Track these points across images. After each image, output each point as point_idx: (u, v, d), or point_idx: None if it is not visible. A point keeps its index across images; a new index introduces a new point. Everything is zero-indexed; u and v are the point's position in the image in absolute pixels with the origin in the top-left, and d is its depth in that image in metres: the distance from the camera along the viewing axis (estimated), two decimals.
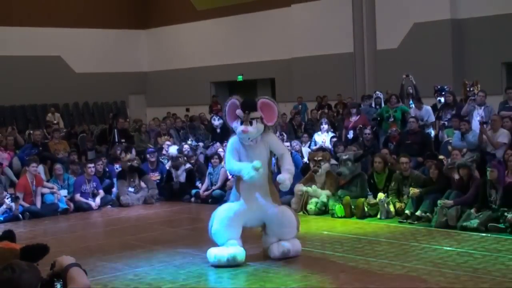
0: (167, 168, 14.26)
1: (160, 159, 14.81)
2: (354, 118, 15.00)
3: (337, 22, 22.05)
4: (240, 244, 7.86)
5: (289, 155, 8.41)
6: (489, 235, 8.95)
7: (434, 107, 15.09)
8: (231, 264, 7.62)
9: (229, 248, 7.70)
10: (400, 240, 8.98)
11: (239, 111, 7.85)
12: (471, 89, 14.05)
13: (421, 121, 13.86)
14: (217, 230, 7.85)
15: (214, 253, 7.73)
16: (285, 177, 7.92)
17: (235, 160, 7.97)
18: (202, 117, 20.30)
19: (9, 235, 4.37)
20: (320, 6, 22.55)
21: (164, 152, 15.24)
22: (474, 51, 19.30)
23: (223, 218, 7.85)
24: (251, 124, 7.75)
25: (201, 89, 27.19)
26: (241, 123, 7.81)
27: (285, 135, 14.86)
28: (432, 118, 14.38)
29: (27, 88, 25.42)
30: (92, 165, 13.17)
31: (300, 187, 11.43)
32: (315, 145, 14.64)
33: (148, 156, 14.32)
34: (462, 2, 19.54)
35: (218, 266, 7.67)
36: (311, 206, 11.22)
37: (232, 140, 8.07)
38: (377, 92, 16.79)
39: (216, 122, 17.41)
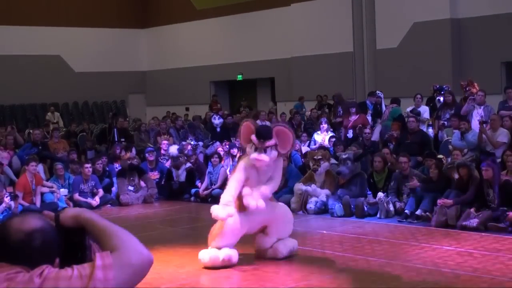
0: (168, 167, 14.25)
1: (160, 159, 14.79)
2: (353, 118, 14.99)
3: (337, 22, 22.05)
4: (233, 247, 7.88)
5: (275, 184, 8.17)
6: (488, 234, 8.96)
7: (432, 107, 15.15)
8: (226, 265, 7.60)
9: (223, 249, 7.68)
10: (400, 240, 8.98)
11: (254, 138, 7.77)
12: (467, 88, 14.06)
13: (418, 115, 14.08)
14: (220, 239, 7.73)
15: (209, 254, 7.69)
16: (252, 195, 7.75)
17: (237, 186, 7.84)
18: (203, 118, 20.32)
19: None
20: (320, 5, 22.54)
21: (162, 151, 15.23)
22: (474, 51, 19.30)
23: (230, 229, 7.73)
24: (265, 151, 7.72)
25: (201, 89, 27.18)
26: (255, 150, 7.75)
27: None
28: (427, 116, 14.69)
29: (27, 87, 25.43)
30: (89, 165, 13.15)
31: (299, 186, 11.43)
32: (315, 144, 14.64)
33: (146, 155, 14.30)
34: (461, 1, 19.54)
35: (212, 267, 7.63)
36: (310, 206, 11.22)
37: (246, 161, 7.94)
38: (378, 92, 16.86)
39: (216, 121, 17.40)
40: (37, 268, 1.96)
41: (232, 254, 7.69)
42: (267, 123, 14.56)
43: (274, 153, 7.79)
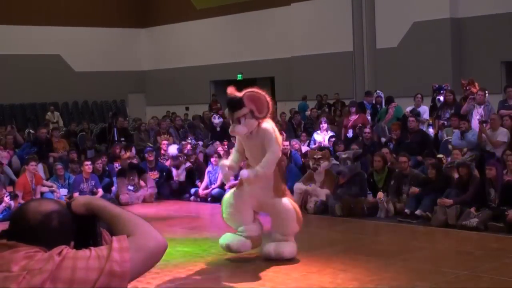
0: (168, 166, 14.23)
1: (159, 159, 14.76)
2: (353, 117, 14.99)
3: (337, 21, 22.05)
4: (253, 228, 7.88)
5: (271, 155, 7.57)
6: (488, 234, 8.95)
7: (433, 106, 15.14)
8: (227, 252, 7.88)
9: (229, 235, 7.92)
10: (400, 239, 8.97)
11: (226, 111, 7.83)
12: (468, 88, 14.05)
13: (418, 116, 14.05)
14: (225, 218, 8.11)
15: (222, 236, 7.99)
16: (244, 173, 7.57)
17: (233, 156, 8.15)
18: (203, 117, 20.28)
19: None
20: (320, 4, 22.55)
21: (162, 151, 15.21)
22: (474, 50, 19.30)
23: (227, 206, 8.02)
24: (239, 122, 7.48)
25: (201, 88, 27.19)
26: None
27: (284, 134, 14.85)
28: (427, 116, 14.67)
29: (27, 86, 25.43)
30: (89, 162, 13.15)
31: (299, 186, 11.42)
32: (315, 144, 14.64)
33: (146, 155, 14.28)
34: (461, 1, 19.54)
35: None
36: (310, 205, 11.21)
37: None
38: (378, 91, 16.86)
39: (216, 120, 17.40)
40: (56, 248, 2.03)
41: (232, 242, 7.80)
42: None
43: (251, 121, 7.45)
